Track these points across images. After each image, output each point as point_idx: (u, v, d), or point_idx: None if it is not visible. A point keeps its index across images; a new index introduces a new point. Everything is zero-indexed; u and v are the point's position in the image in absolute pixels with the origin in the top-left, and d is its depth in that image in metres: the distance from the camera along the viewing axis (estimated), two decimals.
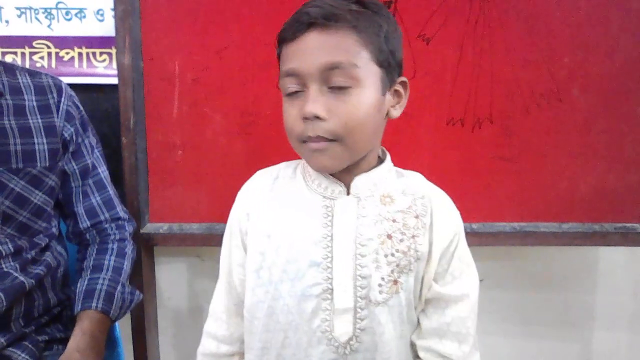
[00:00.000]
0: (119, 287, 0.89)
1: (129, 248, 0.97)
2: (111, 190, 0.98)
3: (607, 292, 1.36)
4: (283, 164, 0.78)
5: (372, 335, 0.68)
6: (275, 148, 1.12)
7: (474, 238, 1.12)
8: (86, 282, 0.88)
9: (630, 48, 1.09)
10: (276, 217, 0.72)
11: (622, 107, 1.11)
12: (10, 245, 0.82)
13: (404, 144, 1.11)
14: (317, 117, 0.63)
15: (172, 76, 1.11)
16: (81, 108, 0.96)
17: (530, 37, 1.08)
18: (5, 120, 0.83)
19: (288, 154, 1.10)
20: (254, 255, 0.72)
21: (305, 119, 0.64)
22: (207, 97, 1.11)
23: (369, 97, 0.65)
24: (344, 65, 0.63)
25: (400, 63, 0.70)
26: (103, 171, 0.97)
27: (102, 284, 0.87)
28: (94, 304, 0.85)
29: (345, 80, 0.63)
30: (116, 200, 0.98)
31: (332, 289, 0.67)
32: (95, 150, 0.97)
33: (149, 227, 1.15)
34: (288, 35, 0.66)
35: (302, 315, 0.68)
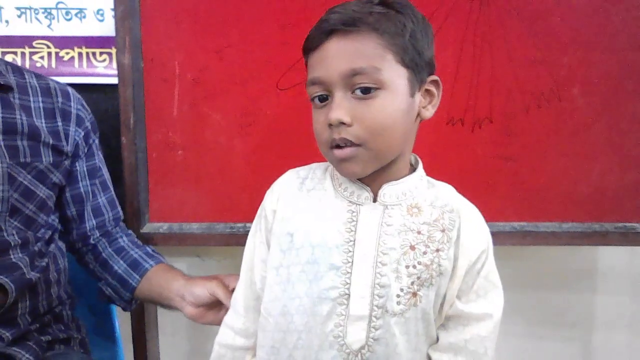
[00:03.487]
0: (148, 250, 0.98)
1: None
2: (113, 191, 1.01)
3: (607, 292, 1.36)
4: (314, 165, 0.78)
5: (385, 347, 0.67)
6: (275, 148, 1.12)
7: None
8: (121, 262, 0.94)
9: (630, 48, 1.09)
10: (301, 217, 0.72)
11: (622, 107, 1.11)
12: (17, 237, 0.83)
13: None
14: (342, 123, 0.63)
15: (172, 76, 1.11)
16: (89, 110, 0.97)
17: (530, 37, 1.08)
18: (16, 114, 0.84)
19: (288, 154, 1.10)
20: (276, 253, 0.72)
21: (331, 125, 0.64)
22: (207, 97, 1.11)
23: (395, 100, 0.64)
24: (366, 70, 0.62)
25: (431, 62, 0.68)
26: (105, 172, 1.00)
27: (134, 253, 0.96)
28: (151, 263, 0.94)
29: (369, 85, 0.63)
30: (116, 200, 1.02)
31: (348, 295, 0.67)
32: (100, 152, 1.00)
33: (149, 227, 1.15)
34: (312, 44, 0.66)
35: (316, 318, 0.67)
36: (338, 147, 0.65)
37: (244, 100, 1.11)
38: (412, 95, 0.66)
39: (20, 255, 0.83)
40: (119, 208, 1.02)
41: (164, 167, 1.14)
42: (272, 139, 1.12)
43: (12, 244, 0.82)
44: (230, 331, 0.78)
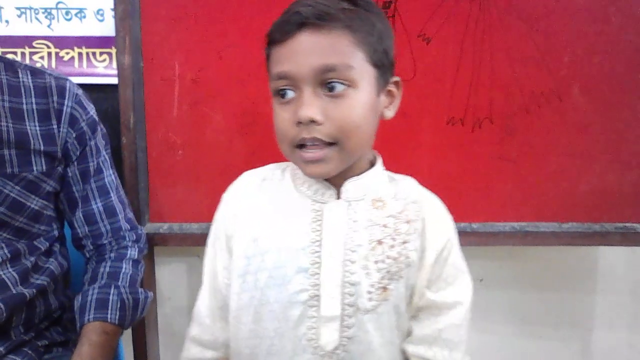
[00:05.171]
0: (112, 291, 0.84)
1: (131, 251, 0.92)
2: (115, 197, 0.92)
3: (607, 292, 1.36)
4: (271, 165, 0.76)
5: (359, 345, 0.66)
6: (275, 148, 1.11)
7: (474, 238, 1.12)
8: (80, 298, 0.84)
9: (630, 48, 1.09)
10: (263, 221, 0.70)
11: (622, 107, 1.11)
12: (6, 251, 0.79)
13: (404, 144, 1.11)
14: (313, 121, 0.61)
15: (172, 76, 1.11)
16: (89, 108, 0.89)
17: (530, 37, 1.08)
18: (1, 122, 0.79)
19: None
20: (240, 260, 0.70)
21: (300, 123, 0.62)
22: (207, 97, 1.11)
23: (364, 99, 0.63)
24: (339, 67, 0.60)
25: (393, 62, 0.68)
26: (108, 175, 0.92)
27: (93, 294, 0.83)
28: (86, 318, 0.81)
29: (341, 83, 0.61)
30: (119, 208, 0.92)
31: (319, 296, 0.65)
32: (102, 153, 0.92)
33: (149, 227, 1.15)
34: (278, 36, 0.63)
35: (288, 323, 0.66)
36: (304, 146, 0.63)
37: (244, 100, 1.11)
38: (378, 94, 0.66)
39: (10, 270, 0.79)
40: (121, 216, 0.92)
41: (164, 167, 1.14)
42: (272, 139, 1.11)
43: (1, 259, 0.78)
44: (197, 345, 0.76)
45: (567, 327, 1.38)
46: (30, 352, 0.81)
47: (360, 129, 0.63)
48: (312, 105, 0.61)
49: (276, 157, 1.20)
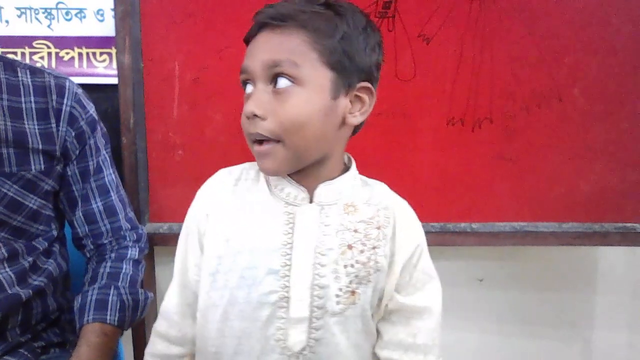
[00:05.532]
0: (112, 291, 0.84)
1: (132, 251, 0.92)
2: (115, 196, 0.91)
3: (607, 292, 1.36)
4: (247, 165, 0.76)
5: (326, 346, 0.66)
6: None
7: (474, 238, 1.12)
8: (80, 298, 0.84)
9: (630, 48, 1.09)
10: (236, 221, 0.70)
11: (622, 107, 1.11)
12: (3, 250, 0.79)
13: (404, 144, 1.11)
14: (256, 116, 0.64)
15: (172, 76, 1.11)
16: (89, 107, 0.89)
17: (530, 37, 1.08)
18: (0, 122, 0.79)
19: None
20: (211, 259, 0.70)
21: (247, 117, 0.65)
22: (207, 97, 1.11)
23: (311, 99, 0.63)
24: (283, 63, 0.62)
25: (366, 69, 0.67)
26: (108, 175, 0.91)
27: (92, 295, 0.83)
28: (85, 319, 0.80)
29: (286, 79, 0.63)
30: (119, 207, 0.91)
31: (288, 298, 0.66)
32: (102, 152, 0.91)
33: (149, 227, 1.15)
34: (248, 36, 0.68)
35: (256, 323, 0.67)
36: (258, 141, 0.66)
37: (244, 100, 1.11)
38: (335, 97, 0.65)
39: (7, 270, 0.79)
40: (121, 215, 0.91)
41: (164, 167, 1.14)
42: None
43: None
44: (163, 341, 0.76)
45: (567, 327, 1.38)
46: (26, 353, 0.81)
47: (304, 129, 0.63)
48: (255, 100, 0.64)
49: None
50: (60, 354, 0.86)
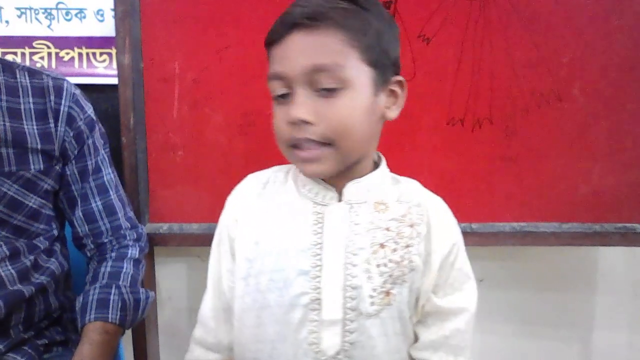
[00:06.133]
0: (113, 290, 0.84)
1: (132, 251, 0.92)
2: (114, 195, 0.92)
3: (607, 292, 1.36)
4: (275, 168, 0.76)
5: (361, 350, 0.65)
6: (275, 148, 1.11)
7: (474, 238, 1.12)
8: (81, 298, 0.85)
9: (630, 48, 1.09)
10: (265, 224, 0.69)
11: (622, 107, 1.11)
12: (5, 248, 0.80)
13: (404, 144, 1.11)
14: (304, 122, 0.61)
15: (172, 76, 1.11)
16: (87, 107, 0.90)
17: (530, 37, 1.08)
18: None
19: None
20: (242, 262, 0.70)
21: (292, 123, 0.62)
22: (207, 97, 1.11)
23: (359, 99, 0.62)
24: (329, 67, 0.60)
25: (396, 62, 0.67)
26: (107, 174, 0.92)
27: (94, 294, 0.84)
28: (87, 318, 0.81)
29: (333, 82, 0.60)
30: (118, 206, 0.92)
31: (320, 299, 0.65)
32: (101, 152, 0.92)
33: (149, 227, 1.15)
34: (273, 37, 0.64)
35: (289, 326, 0.65)
36: (298, 146, 0.63)
37: (244, 100, 1.11)
38: (376, 94, 0.65)
39: (8, 267, 0.79)
40: (120, 214, 0.92)
41: (164, 168, 1.14)
42: (272, 139, 1.11)
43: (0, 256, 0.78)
44: (201, 348, 0.76)
45: (567, 327, 1.38)
46: (30, 350, 0.82)
47: (355, 130, 0.63)
48: (302, 105, 0.61)
49: (276, 157, 1.20)
50: (63, 352, 0.87)
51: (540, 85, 1.10)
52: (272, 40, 0.64)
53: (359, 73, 0.62)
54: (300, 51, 0.61)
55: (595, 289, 1.36)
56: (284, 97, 0.64)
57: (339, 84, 0.61)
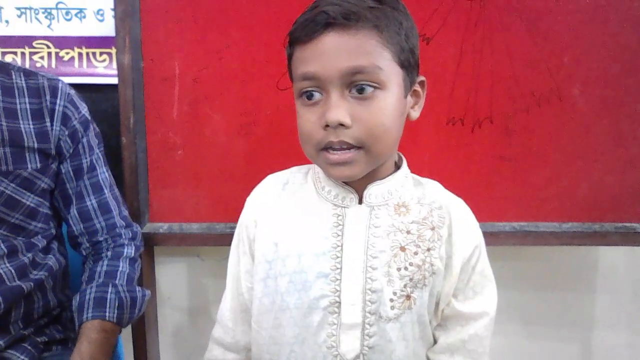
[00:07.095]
0: (109, 289, 0.85)
1: (128, 250, 0.93)
2: (109, 194, 0.93)
3: (607, 292, 1.36)
4: (294, 169, 0.75)
5: (381, 354, 0.64)
6: (275, 148, 1.12)
7: None
8: (78, 297, 0.85)
9: (630, 48, 1.09)
10: (284, 225, 0.69)
11: (622, 107, 1.10)
12: (3, 246, 0.80)
13: (404, 144, 1.09)
14: (341, 125, 0.59)
15: (172, 76, 1.11)
16: (81, 107, 0.91)
17: (530, 37, 1.08)
18: None
19: (288, 154, 1.10)
20: (261, 264, 0.69)
21: (327, 126, 0.60)
22: (207, 97, 1.11)
23: (393, 101, 0.61)
24: (367, 69, 0.58)
25: (418, 62, 0.66)
26: (102, 173, 0.93)
27: (91, 293, 0.84)
28: (84, 316, 0.82)
29: (370, 85, 0.59)
30: (113, 204, 0.93)
31: (339, 303, 0.64)
32: (96, 151, 0.93)
33: (149, 227, 1.15)
34: (303, 35, 0.61)
35: (308, 329, 0.65)
36: (330, 149, 0.61)
37: (244, 100, 1.11)
38: (406, 96, 0.64)
39: (6, 265, 0.80)
40: (115, 212, 0.93)
41: (164, 167, 1.14)
42: (272, 139, 1.12)
43: None
44: (219, 347, 0.76)
45: (567, 327, 1.38)
46: (29, 347, 0.83)
47: (388, 132, 0.62)
48: (340, 108, 0.59)
49: (276, 157, 1.21)
50: (63, 351, 0.88)
51: (540, 85, 1.10)
52: (300, 38, 0.61)
53: (393, 74, 0.61)
54: (337, 52, 0.59)
55: (595, 288, 1.36)
56: (311, 98, 0.62)
57: (376, 85, 0.60)
